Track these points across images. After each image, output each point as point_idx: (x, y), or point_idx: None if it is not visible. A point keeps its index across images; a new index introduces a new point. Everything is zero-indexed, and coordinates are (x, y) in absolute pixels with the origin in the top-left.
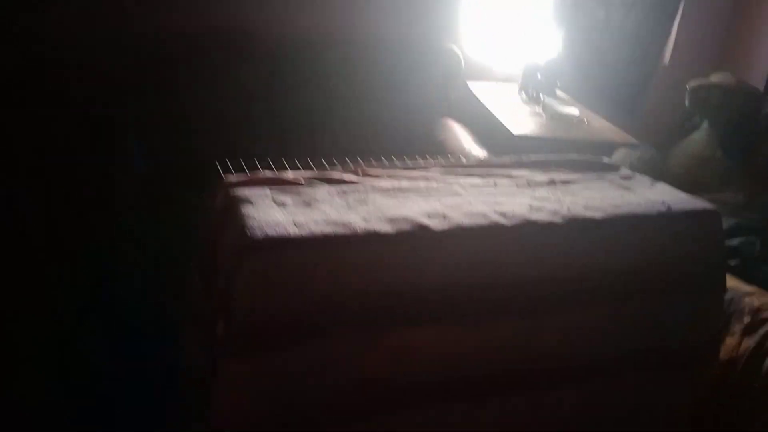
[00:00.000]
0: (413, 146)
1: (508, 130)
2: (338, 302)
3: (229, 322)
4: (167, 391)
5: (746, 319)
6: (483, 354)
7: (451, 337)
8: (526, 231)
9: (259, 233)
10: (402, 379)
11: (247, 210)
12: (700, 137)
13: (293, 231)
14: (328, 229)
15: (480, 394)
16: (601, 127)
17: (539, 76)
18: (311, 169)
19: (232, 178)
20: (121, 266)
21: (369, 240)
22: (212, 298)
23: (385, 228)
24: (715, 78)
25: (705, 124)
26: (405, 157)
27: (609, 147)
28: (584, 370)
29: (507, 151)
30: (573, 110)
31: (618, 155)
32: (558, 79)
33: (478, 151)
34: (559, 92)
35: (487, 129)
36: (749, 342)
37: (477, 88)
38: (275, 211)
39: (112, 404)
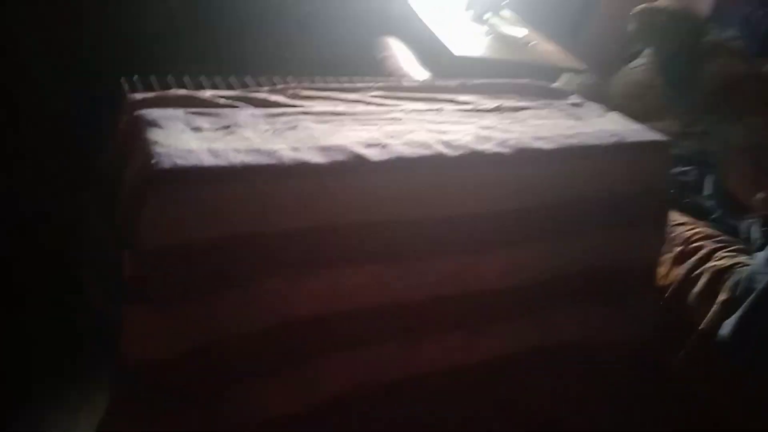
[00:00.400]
0: (349, 65)
1: (449, 50)
2: (261, 241)
3: (133, 265)
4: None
5: (677, 249)
6: (420, 291)
7: (387, 275)
8: (472, 162)
9: (166, 163)
10: (333, 320)
11: (155, 135)
12: (642, 64)
13: (208, 160)
14: (249, 159)
15: (416, 333)
16: (548, 50)
17: None
18: (234, 88)
19: (139, 96)
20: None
21: (298, 172)
22: (115, 237)
23: (316, 158)
24: (661, 2)
25: (647, 51)
26: (341, 78)
27: (555, 71)
28: (525, 303)
29: (450, 74)
30: (520, 31)
31: (562, 80)
32: None
33: (421, 73)
34: (506, 12)
35: (430, 49)
36: (679, 271)
37: (418, 3)
38: (188, 137)
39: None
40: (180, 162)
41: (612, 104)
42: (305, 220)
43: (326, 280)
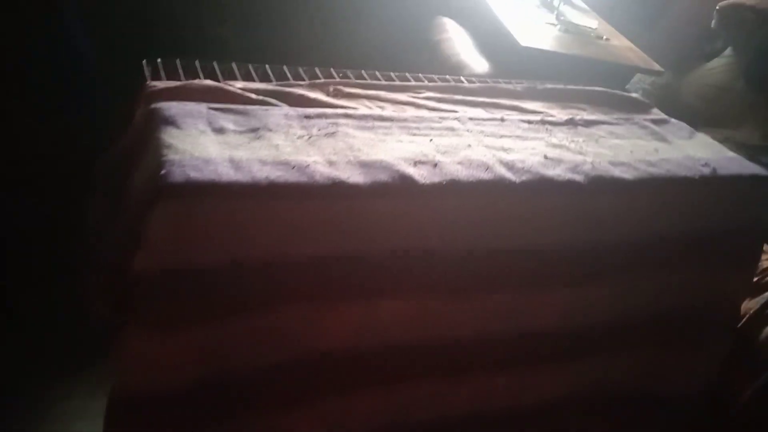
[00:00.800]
0: (402, 47)
1: (514, 38)
2: (284, 267)
3: (136, 286)
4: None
5: None
6: (465, 329)
7: (428, 311)
8: (539, 190)
9: (178, 175)
10: (363, 355)
11: (170, 136)
12: (721, 65)
13: (227, 174)
14: (276, 174)
15: (458, 373)
16: (622, 46)
17: None
18: (270, 78)
19: (160, 85)
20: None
21: (332, 193)
22: (116, 246)
23: (354, 177)
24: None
25: (728, 51)
26: (391, 72)
27: (628, 71)
28: (585, 346)
29: (512, 65)
30: (591, 22)
31: (635, 79)
32: None
33: (480, 62)
34: (577, 1)
35: (491, 35)
36: (750, 305)
37: None
38: (208, 141)
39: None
40: (194, 175)
41: (684, 107)
42: (337, 246)
43: (357, 313)
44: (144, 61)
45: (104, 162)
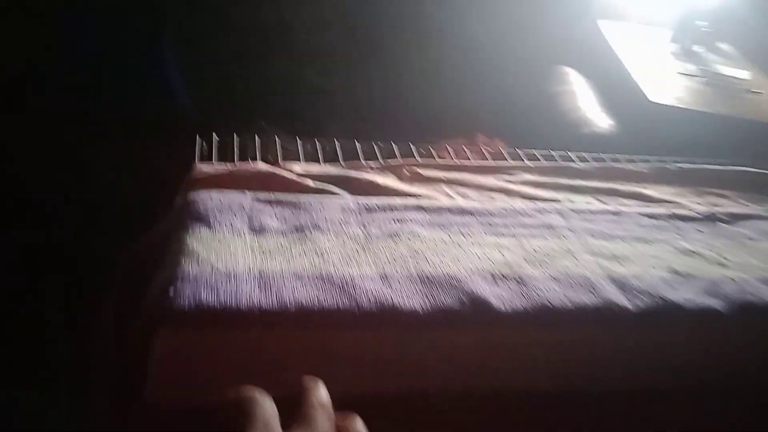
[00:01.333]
0: (515, 100)
1: (643, 92)
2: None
3: (137, 419)
4: None
5: None
6: None
7: None
8: (661, 321)
9: (186, 299)
10: None
11: (196, 239)
12: None
13: (248, 298)
14: (311, 297)
15: None
16: None
17: (701, 23)
18: (337, 159)
19: (206, 169)
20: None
21: (380, 321)
22: (120, 369)
23: (411, 300)
24: None
25: None
26: (483, 147)
27: None
28: None
29: (640, 121)
30: (742, 73)
31: None
32: (729, 28)
33: (602, 118)
34: (726, 46)
35: (617, 88)
36: None
37: (611, 30)
38: (241, 246)
39: None
40: (206, 299)
41: None
42: (382, 383)
43: None
44: (198, 138)
45: (129, 256)
